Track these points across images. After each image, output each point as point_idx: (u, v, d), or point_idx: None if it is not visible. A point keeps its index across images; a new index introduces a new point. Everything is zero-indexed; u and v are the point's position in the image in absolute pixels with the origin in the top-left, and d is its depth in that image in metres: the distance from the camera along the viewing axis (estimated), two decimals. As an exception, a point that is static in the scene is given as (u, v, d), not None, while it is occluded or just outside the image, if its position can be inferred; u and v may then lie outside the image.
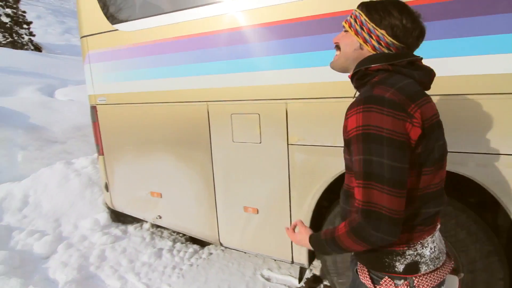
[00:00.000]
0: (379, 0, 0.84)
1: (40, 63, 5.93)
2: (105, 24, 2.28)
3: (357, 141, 0.74)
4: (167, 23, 2.01)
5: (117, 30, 2.24)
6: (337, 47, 0.89)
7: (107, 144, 2.58)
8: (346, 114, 0.77)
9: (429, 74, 0.84)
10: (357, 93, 0.87)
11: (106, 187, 2.68)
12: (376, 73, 0.82)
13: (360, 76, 0.84)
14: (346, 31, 0.86)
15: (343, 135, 0.80)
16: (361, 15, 0.83)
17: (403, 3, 0.83)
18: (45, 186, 2.88)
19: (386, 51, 0.82)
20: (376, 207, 0.73)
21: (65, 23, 12.31)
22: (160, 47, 2.11)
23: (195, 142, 2.08)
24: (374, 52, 0.83)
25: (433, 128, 0.77)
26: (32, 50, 7.15)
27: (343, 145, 0.84)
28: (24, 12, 6.93)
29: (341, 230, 0.79)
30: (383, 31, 0.80)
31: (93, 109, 2.58)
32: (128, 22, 2.21)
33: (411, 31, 0.80)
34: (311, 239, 0.91)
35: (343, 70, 0.90)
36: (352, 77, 0.87)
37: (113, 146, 2.55)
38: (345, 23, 0.86)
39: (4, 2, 6.52)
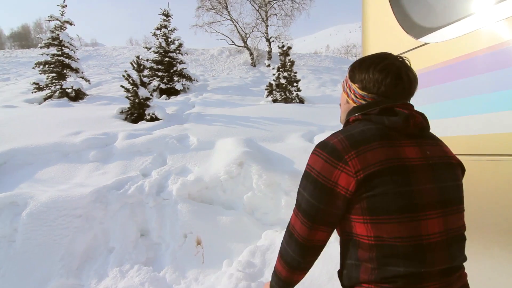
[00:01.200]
0: (364, 57, 0.93)
1: (303, 113, 6.58)
2: (406, 40, 1.60)
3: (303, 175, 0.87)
4: None
5: (426, 44, 1.48)
6: None
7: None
8: None
9: (406, 119, 0.80)
10: None
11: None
12: (352, 123, 0.88)
13: (344, 127, 0.92)
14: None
15: None
16: (347, 74, 0.96)
17: (379, 55, 0.90)
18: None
19: (363, 102, 0.88)
20: (293, 230, 0.88)
21: (321, 78, 14.16)
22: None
23: None
24: (354, 104, 0.92)
25: (386, 173, 0.74)
26: (297, 102, 8.27)
27: None
28: (296, 73, 8.29)
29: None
30: (356, 85, 0.90)
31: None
32: (445, 29, 1.39)
33: (380, 80, 0.85)
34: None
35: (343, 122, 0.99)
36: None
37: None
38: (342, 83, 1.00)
39: (283, 68, 8.10)
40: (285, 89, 8.29)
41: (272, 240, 2.71)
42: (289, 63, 8.41)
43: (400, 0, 1.65)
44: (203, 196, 3.82)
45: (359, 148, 0.77)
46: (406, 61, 0.89)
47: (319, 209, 0.81)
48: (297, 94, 8.62)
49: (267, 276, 2.36)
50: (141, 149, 4.62)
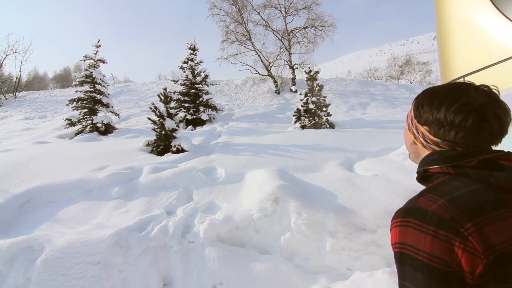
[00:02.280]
0: (437, 86, 0.74)
1: (337, 138, 6.08)
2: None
3: (395, 260, 0.67)
4: None
5: None
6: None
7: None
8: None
9: None
10: None
11: None
12: (436, 175, 0.72)
13: (420, 178, 0.77)
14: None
15: None
16: (411, 110, 0.79)
17: (454, 88, 0.68)
18: (368, 309, 1.95)
19: (437, 149, 0.72)
20: None
21: (348, 102, 13.69)
22: None
23: None
24: (425, 150, 0.76)
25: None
26: (327, 128, 7.79)
27: None
28: (325, 97, 7.90)
29: None
30: (425, 128, 0.74)
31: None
32: None
33: (457, 124, 0.66)
34: None
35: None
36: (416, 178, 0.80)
37: None
38: (406, 121, 0.83)
39: (311, 93, 7.75)
40: (314, 114, 7.87)
41: (323, 301, 2.15)
42: (317, 88, 8.07)
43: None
44: (234, 237, 3.34)
45: (477, 219, 0.59)
46: (494, 92, 0.65)
47: None
48: (327, 119, 8.16)
49: None
50: (166, 183, 4.31)
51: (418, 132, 0.78)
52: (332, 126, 8.25)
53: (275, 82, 16.23)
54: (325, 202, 3.27)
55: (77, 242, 2.99)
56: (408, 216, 0.66)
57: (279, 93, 16.01)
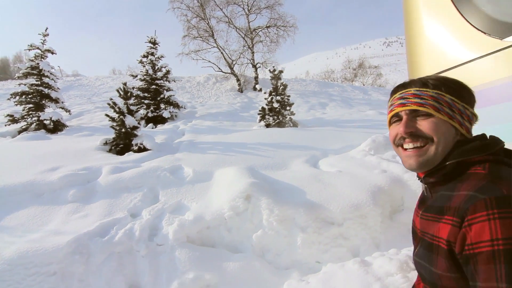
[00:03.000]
0: (445, 76, 0.74)
1: (301, 137, 6.26)
2: (483, 42, 1.27)
3: (493, 260, 0.52)
4: None
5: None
6: (417, 137, 0.72)
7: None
8: (465, 218, 0.57)
9: None
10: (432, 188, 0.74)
11: None
12: (474, 164, 0.67)
13: (451, 170, 0.68)
14: (425, 116, 0.71)
15: (444, 244, 0.60)
16: (443, 95, 0.71)
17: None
18: (342, 298, 2.04)
19: (468, 135, 0.72)
20: None
21: (309, 102, 14.19)
22: None
23: None
24: (468, 135, 0.72)
25: None
26: (291, 126, 7.97)
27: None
28: (289, 96, 8.08)
29: None
30: (472, 110, 0.72)
31: None
32: None
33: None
34: None
35: (429, 166, 0.72)
36: (433, 172, 0.71)
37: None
38: (423, 106, 0.71)
39: (276, 92, 7.87)
40: (278, 113, 8.02)
41: (299, 295, 2.21)
42: (281, 87, 8.22)
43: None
44: (204, 237, 3.28)
45: None
46: None
47: None
48: (290, 118, 8.37)
49: None
50: (129, 184, 4.07)
51: (463, 117, 0.72)
52: (295, 124, 8.48)
53: (238, 80, 16.21)
54: (295, 198, 3.35)
55: (28, 252, 2.69)
56: (508, 206, 0.56)
57: (242, 91, 16.02)
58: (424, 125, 0.71)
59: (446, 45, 1.44)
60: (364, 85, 31.07)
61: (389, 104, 0.80)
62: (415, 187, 3.58)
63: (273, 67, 8.52)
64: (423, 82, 0.73)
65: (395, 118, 0.76)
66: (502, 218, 0.54)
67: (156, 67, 10.65)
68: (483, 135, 0.73)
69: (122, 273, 2.85)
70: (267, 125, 8.22)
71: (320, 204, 3.25)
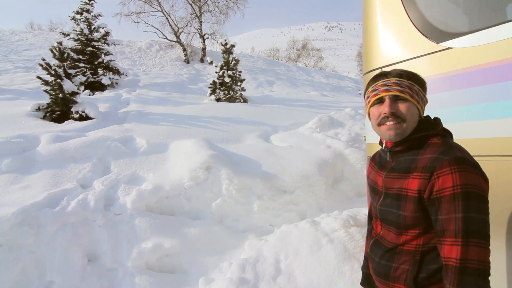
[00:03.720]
0: (404, 70, 0.96)
1: (253, 112, 6.49)
2: (425, 45, 1.59)
3: (454, 199, 0.77)
4: None
5: (449, 48, 1.48)
6: (396, 117, 0.91)
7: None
8: (434, 173, 0.81)
9: (451, 135, 1.00)
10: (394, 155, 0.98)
11: None
12: (432, 137, 0.92)
13: (416, 141, 0.93)
14: (403, 100, 0.91)
15: (414, 193, 0.85)
16: (413, 85, 0.93)
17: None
18: (296, 251, 2.40)
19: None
20: (475, 264, 0.75)
21: (257, 79, 14.37)
22: None
23: None
24: (420, 118, 0.95)
25: None
26: (241, 102, 8.14)
27: None
28: (240, 72, 8.14)
29: None
30: (426, 97, 0.97)
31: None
32: (471, 35, 1.42)
33: None
34: None
35: (401, 137, 0.94)
36: (402, 142, 0.94)
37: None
38: (401, 93, 0.91)
39: (227, 66, 7.85)
40: (229, 88, 8.06)
41: (259, 251, 2.50)
42: (233, 62, 8.21)
43: (418, 6, 1.64)
44: (163, 206, 3.35)
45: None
46: None
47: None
48: (241, 93, 8.49)
49: (265, 292, 2.15)
50: (75, 154, 3.82)
51: (423, 102, 0.95)
52: (245, 100, 8.64)
53: (184, 50, 15.43)
54: (252, 170, 3.60)
55: (-35, 225, 2.45)
56: (463, 163, 0.80)
57: (188, 62, 15.37)
58: (402, 107, 0.91)
59: (396, 43, 1.75)
60: (306, 66, 32.44)
61: (371, 89, 0.98)
62: (353, 160, 4.15)
63: (225, 40, 8.40)
64: (400, 74, 0.93)
65: (378, 101, 0.95)
66: (460, 171, 0.79)
67: (93, 27, 9.50)
68: (429, 116, 1.01)
69: (78, 242, 2.79)
70: (218, 100, 8.22)
71: (275, 175, 3.57)
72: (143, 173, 3.70)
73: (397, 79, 0.92)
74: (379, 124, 0.95)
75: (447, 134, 0.96)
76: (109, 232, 2.93)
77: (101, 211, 3.04)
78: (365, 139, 2.12)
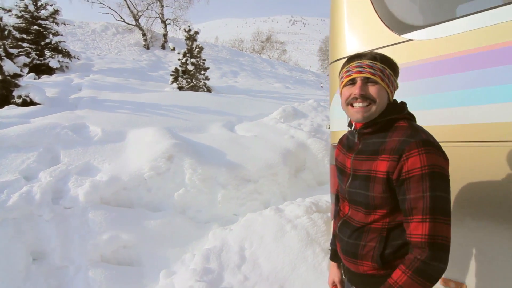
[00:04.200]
0: (378, 53, 0.96)
1: (217, 102, 6.37)
2: (387, 36, 1.64)
3: (421, 179, 0.82)
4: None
5: (410, 40, 1.55)
6: (365, 98, 0.92)
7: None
8: (403, 155, 0.84)
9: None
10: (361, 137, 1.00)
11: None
12: (396, 121, 0.95)
13: (384, 124, 0.95)
14: (373, 82, 0.92)
15: (382, 174, 0.88)
16: (385, 69, 0.94)
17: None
18: (261, 239, 2.40)
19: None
20: (441, 239, 0.79)
21: (221, 69, 14.12)
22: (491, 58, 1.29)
23: None
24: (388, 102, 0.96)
25: None
26: (204, 91, 7.95)
27: None
28: (204, 60, 7.90)
29: (402, 278, 0.80)
30: (397, 82, 0.99)
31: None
32: (432, 27, 1.49)
33: None
34: None
35: (369, 119, 0.95)
36: (371, 124, 0.95)
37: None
38: (372, 75, 0.92)
39: (190, 53, 7.58)
40: (193, 77, 7.79)
41: (223, 240, 2.47)
42: (197, 49, 7.93)
43: (383, -2, 1.68)
44: (121, 198, 3.15)
45: None
46: None
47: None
48: (204, 82, 8.27)
49: (229, 281, 2.13)
50: (17, 143, 3.43)
51: (393, 87, 0.97)
52: (209, 90, 8.44)
53: (144, 35, 14.56)
54: (217, 159, 3.53)
55: None
56: (429, 145, 0.84)
57: (148, 48, 14.55)
58: (372, 90, 0.92)
59: (362, 33, 1.79)
60: (270, 58, 32.63)
61: (344, 70, 0.98)
62: (315, 150, 4.27)
63: (189, 26, 8.06)
64: (374, 56, 0.94)
65: (350, 81, 0.95)
66: (426, 153, 0.83)
67: (39, 3, 8.52)
68: (396, 100, 1.03)
69: (20, 240, 2.52)
70: (180, 88, 7.91)
71: (240, 164, 3.54)
72: (98, 164, 3.45)
73: (371, 61, 0.93)
74: (348, 104, 0.96)
75: (412, 117, 0.99)
76: (58, 227, 2.68)
77: (48, 205, 2.77)
78: (329, 127, 2.16)
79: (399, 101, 1.02)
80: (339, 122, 1.99)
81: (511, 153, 1.24)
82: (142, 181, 3.20)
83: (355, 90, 0.93)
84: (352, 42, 1.81)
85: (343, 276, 1.22)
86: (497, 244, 1.27)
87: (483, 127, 1.34)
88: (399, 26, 1.61)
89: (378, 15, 1.68)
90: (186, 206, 3.25)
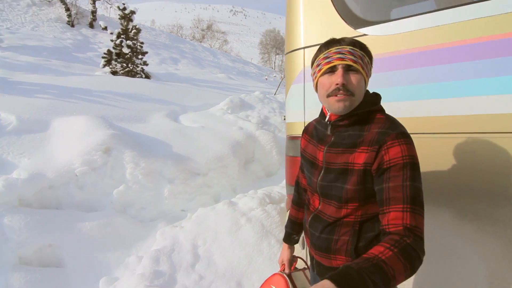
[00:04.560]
0: (356, 39, 0.90)
1: (158, 90, 5.96)
2: (343, 29, 1.66)
3: (402, 168, 0.80)
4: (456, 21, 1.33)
5: (364, 35, 1.59)
6: (347, 89, 0.86)
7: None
8: (383, 145, 0.83)
9: None
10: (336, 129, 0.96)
11: (303, 244, 1.96)
12: (372, 112, 0.92)
13: (362, 115, 0.91)
14: (355, 71, 0.86)
15: (360, 166, 0.86)
16: (364, 56, 0.88)
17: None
18: (215, 235, 2.30)
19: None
20: (419, 231, 0.77)
21: (160, 54, 13.23)
22: (439, 55, 1.41)
23: (498, 194, 1.30)
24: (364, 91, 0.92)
25: None
26: (143, 77, 7.39)
27: None
28: (142, 43, 7.25)
29: (386, 253, 0.70)
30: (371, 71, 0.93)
31: (298, 141, 1.91)
32: (389, 23, 1.55)
33: None
34: (340, 280, 0.62)
35: (348, 110, 0.90)
36: (348, 116, 0.91)
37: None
38: (354, 63, 0.86)
39: (126, 35, 6.88)
40: (129, 61, 7.09)
41: (174, 239, 2.29)
42: (134, 30, 7.19)
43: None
44: (46, 199, 2.71)
45: None
46: None
47: None
48: (142, 68, 7.61)
49: (183, 282, 1.99)
50: None
51: (369, 76, 0.93)
52: (147, 76, 7.79)
53: (68, 10, 12.64)
54: (162, 152, 3.27)
55: None
56: (407, 138, 0.84)
57: (73, 25, 12.72)
58: (353, 79, 0.86)
59: (319, 25, 1.79)
60: (212, 47, 31.85)
61: (322, 56, 0.90)
62: (264, 142, 4.28)
63: (124, 4, 7.24)
64: (353, 42, 0.87)
65: (329, 69, 0.87)
66: (406, 144, 0.83)
67: None
68: (368, 91, 0.98)
69: None
70: (114, 73, 7.12)
71: (187, 157, 3.34)
72: (13, 158, 2.89)
73: (351, 47, 0.87)
74: (329, 95, 0.89)
75: (383, 109, 0.97)
76: (-41, 237, 2.16)
77: None
78: (284, 119, 2.14)
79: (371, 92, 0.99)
80: (296, 113, 1.98)
81: (450, 146, 1.38)
82: (73, 178, 2.78)
83: (338, 79, 0.85)
84: (309, 33, 1.81)
85: (293, 258, 1.30)
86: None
87: (429, 120, 1.45)
88: (354, 20, 1.64)
89: (335, 7, 1.69)
90: (128, 204, 2.95)
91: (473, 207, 1.39)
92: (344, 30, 1.66)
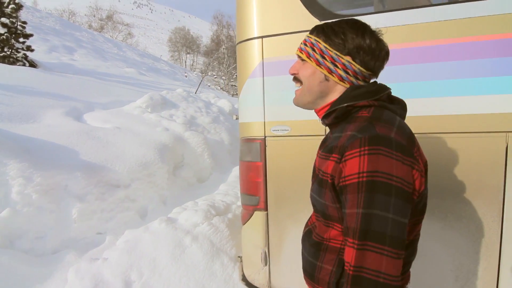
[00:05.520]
0: (333, 22, 0.73)
1: (54, 83, 4.81)
2: (308, 20, 1.50)
3: (357, 190, 0.60)
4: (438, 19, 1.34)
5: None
6: (296, 79, 0.77)
7: (278, 195, 1.67)
8: (344, 155, 0.63)
9: (405, 107, 0.76)
10: (330, 130, 0.79)
11: (266, 260, 1.73)
12: (360, 109, 0.70)
13: (341, 113, 0.71)
14: (303, 60, 0.75)
15: (329, 178, 0.66)
16: (319, 42, 0.72)
17: (361, 22, 0.72)
18: (153, 263, 1.83)
19: (354, 80, 0.72)
20: (371, 274, 0.59)
21: (48, 41, 11.07)
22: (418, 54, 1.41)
23: (476, 190, 1.35)
24: (342, 83, 0.72)
25: (427, 173, 0.70)
26: (27, 66, 5.96)
27: None
28: (25, 23, 5.75)
29: None
30: (348, 58, 0.70)
31: (257, 143, 1.67)
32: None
33: (377, 53, 0.70)
34: None
35: (309, 106, 0.78)
36: (326, 115, 0.74)
37: (290, 199, 1.66)
38: (300, 52, 0.76)
39: (0, 11, 5.35)
40: (6, 44, 5.49)
41: (95, 277, 1.71)
42: (11, 6, 5.58)
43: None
44: None
45: (416, 145, 0.68)
46: None
47: (406, 228, 0.62)
48: (25, 54, 6.05)
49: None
50: None
51: (336, 65, 0.71)
52: (33, 65, 6.21)
53: None
54: (65, 160, 2.50)
55: None
56: (377, 144, 0.60)
57: None
58: (301, 69, 0.76)
59: (278, 14, 1.59)
60: (115, 39, 28.52)
61: None
62: (194, 144, 3.86)
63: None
64: (314, 28, 0.75)
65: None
66: (370, 154, 0.60)
67: None
68: (374, 82, 0.78)
69: None
70: (-20, 58, 5.39)
71: (103, 166, 2.67)
72: None
73: (308, 35, 0.75)
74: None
75: (389, 106, 0.73)
76: None
77: None
78: (237, 118, 1.86)
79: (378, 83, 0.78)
80: (252, 112, 1.73)
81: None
82: None
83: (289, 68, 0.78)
84: (264, 22, 1.60)
85: None
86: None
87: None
88: (320, 11, 1.51)
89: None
90: (15, 235, 2.14)
91: (440, 206, 1.42)
92: (308, 21, 1.50)
